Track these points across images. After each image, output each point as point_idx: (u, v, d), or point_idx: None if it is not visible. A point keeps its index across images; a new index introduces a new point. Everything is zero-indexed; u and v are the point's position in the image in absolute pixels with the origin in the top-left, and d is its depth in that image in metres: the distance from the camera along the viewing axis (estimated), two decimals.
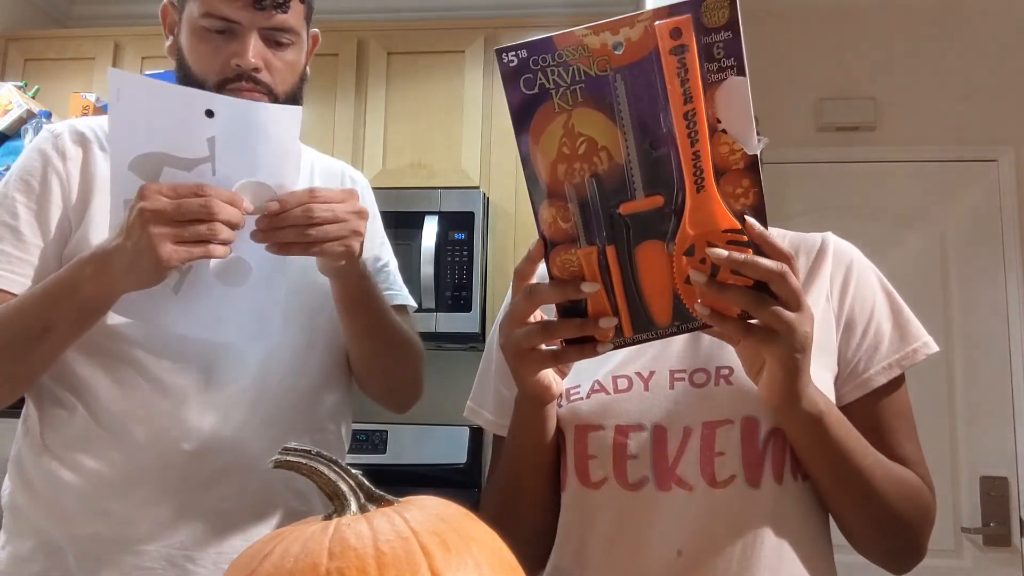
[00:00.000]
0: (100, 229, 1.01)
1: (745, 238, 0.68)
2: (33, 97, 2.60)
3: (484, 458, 2.69)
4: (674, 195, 0.67)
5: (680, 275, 0.69)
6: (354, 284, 1.03)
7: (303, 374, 1.09)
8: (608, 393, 0.88)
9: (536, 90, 0.66)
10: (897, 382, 0.90)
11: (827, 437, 0.80)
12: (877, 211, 2.99)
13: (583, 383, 0.90)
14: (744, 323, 0.70)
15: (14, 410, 1.05)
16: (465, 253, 2.51)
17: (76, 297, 0.90)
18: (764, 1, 2.98)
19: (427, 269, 2.47)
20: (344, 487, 0.58)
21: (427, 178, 2.65)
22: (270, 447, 0.70)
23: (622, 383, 0.89)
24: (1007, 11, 3.01)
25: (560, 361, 0.76)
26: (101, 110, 2.57)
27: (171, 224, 0.84)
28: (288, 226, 0.89)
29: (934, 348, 0.90)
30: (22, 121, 2.43)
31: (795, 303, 0.70)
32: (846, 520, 0.86)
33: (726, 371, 0.86)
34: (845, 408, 0.86)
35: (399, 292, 1.22)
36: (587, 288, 0.70)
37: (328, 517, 0.57)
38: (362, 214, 0.95)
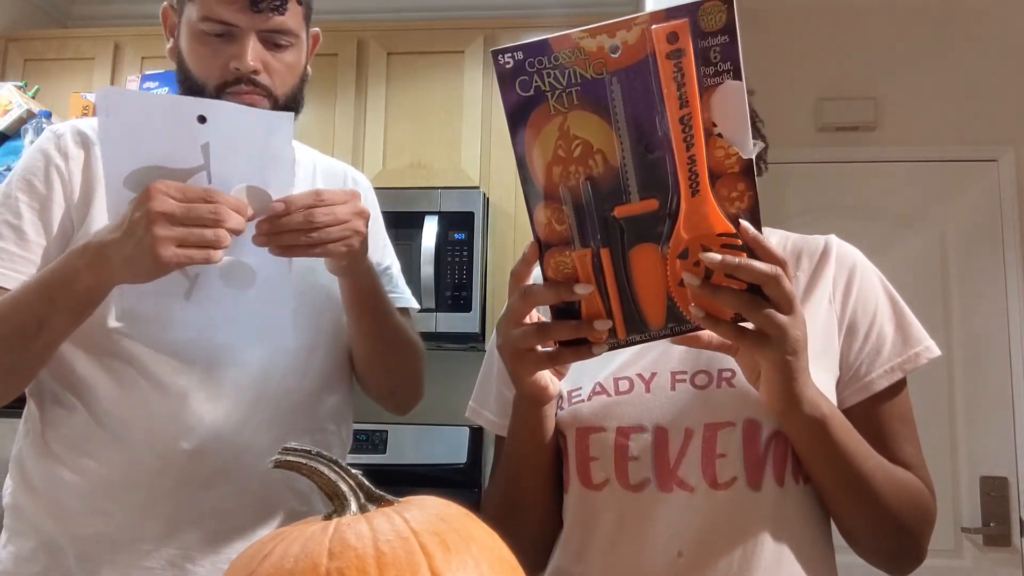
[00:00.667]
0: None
1: (739, 242, 0.68)
2: (33, 97, 2.60)
3: (484, 458, 2.69)
4: (669, 198, 0.67)
5: (674, 278, 0.70)
6: (361, 282, 1.04)
7: (305, 375, 1.09)
8: (609, 395, 0.89)
9: (532, 92, 0.66)
10: (899, 386, 0.90)
11: (829, 441, 0.80)
12: (877, 211, 2.99)
13: (584, 385, 0.90)
14: (737, 326, 0.71)
15: (15, 410, 1.06)
16: (465, 253, 2.51)
17: (71, 288, 0.90)
18: (764, 1, 2.99)
19: (427, 269, 2.47)
20: (344, 487, 0.58)
21: (427, 178, 2.65)
22: (271, 447, 0.71)
23: (623, 385, 0.89)
24: (1007, 11, 3.00)
25: (556, 362, 0.77)
26: None
27: (177, 227, 0.84)
28: (290, 230, 0.90)
29: (936, 352, 0.90)
30: (22, 121, 2.43)
31: (788, 306, 0.70)
32: (847, 523, 0.86)
33: (728, 373, 0.86)
34: (846, 411, 0.86)
35: (402, 294, 1.23)
36: (580, 290, 0.70)
37: (328, 517, 0.57)
38: (363, 214, 0.96)
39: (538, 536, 0.93)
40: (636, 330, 0.72)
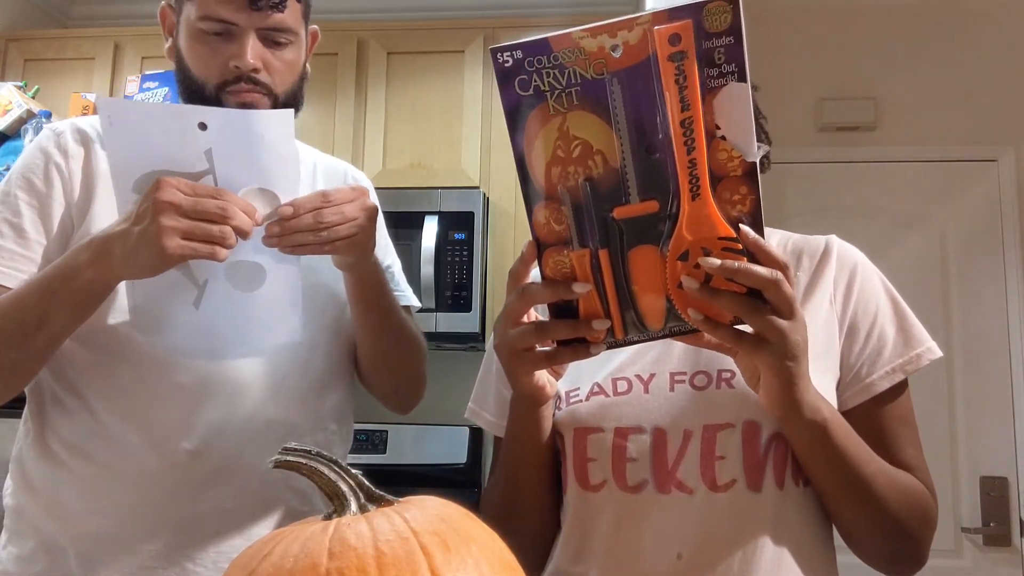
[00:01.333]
0: (103, 227, 1.01)
1: (740, 245, 0.67)
2: (33, 97, 2.60)
3: (484, 458, 2.69)
4: (669, 200, 0.67)
5: (673, 280, 0.69)
6: (367, 278, 1.05)
7: (306, 373, 1.09)
8: (607, 395, 0.88)
9: (531, 92, 0.65)
10: (900, 387, 0.89)
11: (830, 445, 0.79)
12: (877, 211, 2.99)
13: (583, 385, 0.90)
14: (736, 330, 0.70)
15: (15, 410, 1.05)
16: (465, 253, 2.51)
17: (74, 283, 0.90)
18: (764, 1, 2.98)
19: (427, 269, 2.47)
20: (344, 487, 0.58)
21: (427, 178, 2.65)
22: (271, 447, 0.71)
23: (622, 385, 0.89)
24: (1007, 11, 3.01)
25: (554, 362, 0.76)
26: None
27: (184, 218, 0.84)
28: (300, 231, 0.91)
29: (938, 353, 0.90)
30: (22, 121, 2.43)
31: (788, 311, 0.69)
32: (848, 526, 0.86)
33: (727, 374, 0.86)
34: (847, 413, 0.86)
35: (403, 293, 1.23)
36: (579, 288, 0.69)
37: (328, 517, 0.57)
38: (370, 211, 0.97)
39: (537, 536, 0.92)
40: (634, 330, 0.72)
